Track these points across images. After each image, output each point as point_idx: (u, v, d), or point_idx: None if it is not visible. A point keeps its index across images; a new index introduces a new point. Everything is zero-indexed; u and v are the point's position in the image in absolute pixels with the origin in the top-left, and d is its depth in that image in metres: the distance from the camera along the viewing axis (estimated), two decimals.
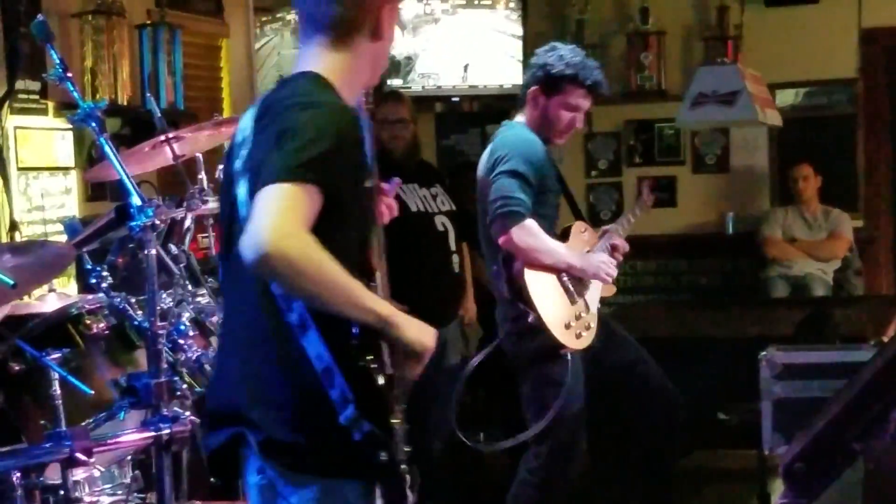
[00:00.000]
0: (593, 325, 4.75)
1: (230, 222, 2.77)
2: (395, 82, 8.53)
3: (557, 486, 4.79)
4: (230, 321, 2.87)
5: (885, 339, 4.95)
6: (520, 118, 4.92)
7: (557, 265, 4.66)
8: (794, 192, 8.40)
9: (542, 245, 4.62)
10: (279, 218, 2.49)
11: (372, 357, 2.65)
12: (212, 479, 4.34)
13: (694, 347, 6.40)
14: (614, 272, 4.82)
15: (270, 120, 2.68)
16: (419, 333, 2.71)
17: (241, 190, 2.72)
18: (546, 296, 4.62)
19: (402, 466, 2.70)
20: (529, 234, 4.59)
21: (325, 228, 2.57)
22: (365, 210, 2.80)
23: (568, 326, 4.63)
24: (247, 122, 2.81)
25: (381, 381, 2.65)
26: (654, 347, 5.29)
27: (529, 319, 4.59)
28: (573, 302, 4.69)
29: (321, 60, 2.82)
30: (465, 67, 8.70)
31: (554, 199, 4.90)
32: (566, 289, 4.69)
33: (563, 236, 4.86)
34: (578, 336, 4.66)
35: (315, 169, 2.55)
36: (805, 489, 3.71)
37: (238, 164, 2.78)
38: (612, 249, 4.92)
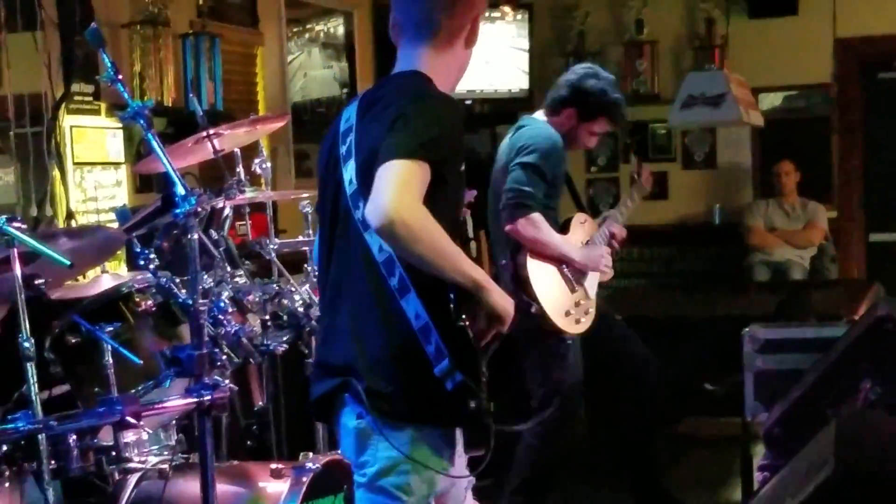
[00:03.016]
0: (592, 310, 4.73)
1: (335, 200, 2.86)
2: None
3: (557, 448, 4.80)
4: (338, 287, 2.90)
5: (856, 318, 4.95)
6: (543, 117, 4.87)
7: (560, 258, 4.64)
8: (776, 186, 8.41)
9: (546, 238, 4.60)
10: (399, 190, 2.60)
11: (466, 317, 2.70)
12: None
13: (684, 326, 6.40)
14: (609, 268, 4.78)
15: (383, 107, 2.78)
16: (504, 301, 2.76)
17: (349, 171, 2.80)
18: (547, 286, 4.60)
19: (488, 412, 2.73)
20: (535, 226, 4.57)
21: (433, 200, 2.66)
22: (461, 187, 2.90)
23: (568, 314, 4.61)
24: (351, 113, 2.89)
25: (472, 336, 2.71)
26: (648, 326, 5.30)
27: (532, 310, 4.57)
28: (573, 290, 4.67)
29: (424, 62, 2.90)
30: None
31: (560, 194, 4.88)
32: (566, 278, 4.67)
33: (564, 227, 4.84)
34: (577, 322, 4.64)
35: (428, 149, 2.66)
36: (783, 451, 3.73)
37: (344, 149, 2.85)
38: (611, 237, 4.90)
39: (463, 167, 2.86)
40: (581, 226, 4.88)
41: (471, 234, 5.94)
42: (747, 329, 4.87)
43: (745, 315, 5.53)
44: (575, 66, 5.03)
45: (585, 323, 4.67)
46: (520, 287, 4.60)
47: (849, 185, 8.73)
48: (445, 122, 2.75)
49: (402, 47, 2.95)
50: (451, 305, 2.68)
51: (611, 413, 5.55)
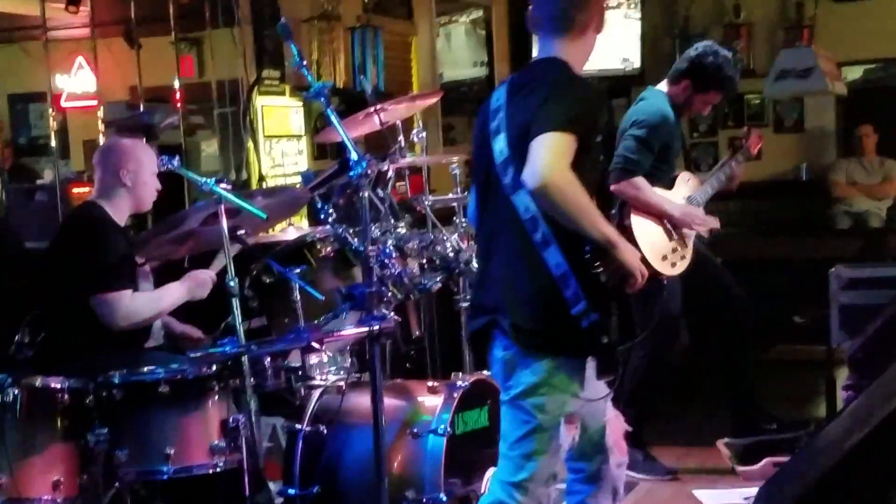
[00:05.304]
0: (688, 256, 4.60)
1: (487, 168, 2.86)
2: None
3: (660, 368, 4.73)
4: (489, 241, 2.92)
5: None
6: (664, 87, 4.74)
7: (660, 214, 4.57)
8: (856, 146, 8.17)
9: (646, 198, 4.52)
10: (552, 158, 2.61)
11: (599, 266, 2.71)
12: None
13: (776, 267, 6.28)
14: (703, 225, 4.66)
15: (533, 89, 2.77)
16: (632, 258, 2.76)
17: (500, 142, 2.80)
18: (647, 235, 4.52)
19: (617, 348, 2.76)
20: (635, 188, 4.50)
21: (578, 166, 2.66)
22: (599, 154, 2.90)
23: (664, 258, 4.52)
24: (500, 94, 2.88)
25: (604, 283, 2.71)
26: (746, 267, 5.19)
27: None
28: (671, 238, 4.58)
29: (561, 49, 2.88)
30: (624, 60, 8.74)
31: (674, 157, 4.78)
32: (665, 228, 4.59)
33: (671, 183, 4.76)
34: (673, 265, 4.54)
35: (575, 123, 2.66)
36: (866, 373, 3.63)
37: (494, 124, 2.84)
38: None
39: (599, 138, 2.85)
40: (685, 183, 4.78)
41: None
42: (833, 269, 4.74)
43: (830, 257, 5.38)
44: (698, 43, 4.87)
45: (680, 267, 4.57)
46: (622, 235, 4.54)
47: None
48: (587, 101, 2.75)
49: (542, 38, 2.92)
50: (587, 257, 2.68)
51: (711, 341, 5.44)
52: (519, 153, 2.69)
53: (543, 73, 2.83)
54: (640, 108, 4.68)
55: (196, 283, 3.76)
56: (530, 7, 2.96)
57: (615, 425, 3.04)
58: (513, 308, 2.78)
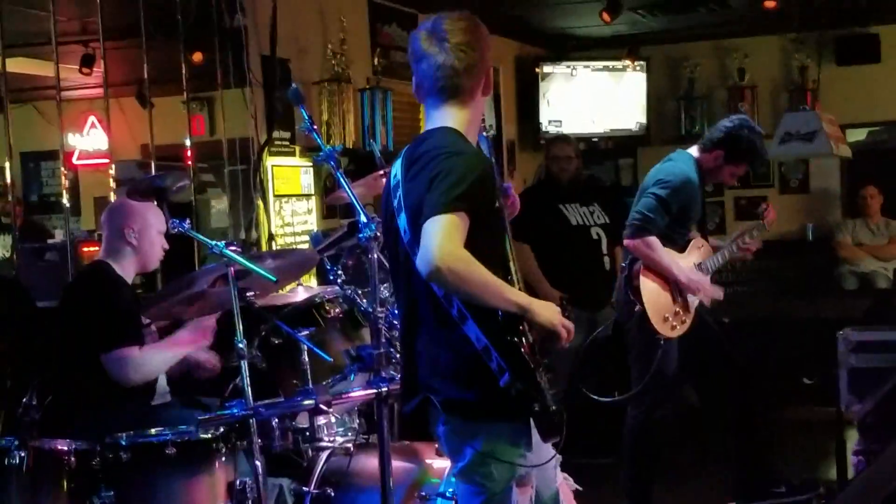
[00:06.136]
0: (688, 320, 4.58)
1: (396, 246, 2.79)
2: (551, 129, 8.57)
3: (653, 424, 4.68)
4: (410, 318, 2.84)
5: None
6: (695, 153, 4.75)
7: (668, 276, 4.55)
8: (861, 207, 8.20)
9: (657, 258, 4.51)
10: (442, 241, 2.52)
11: (516, 334, 2.64)
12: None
13: (783, 327, 6.24)
14: (706, 294, 4.63)
15: (421, 167, 2.69)
16: (548, 314, 2.67)
17: (402, 221, 2.73)
18: (653, 293, 4.51)
19: (552, 408, 2.67)
20: (649, 247, 4.49)
21: (475, 240, 2.59)
22: (500, 222, 2.80)
23: (665, 319, 4.50)
24: (397, 169, 2.81)
25: (524, 350, 2.63)
26: (753, 327, 5.17)
27: (636, 309, 4.49)
28: (675, 301, 4.56)
29: (451, 118, 2.79)
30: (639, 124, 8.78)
31: (691, 223, 4.76)
32: (672, 290, 4.57)
33: (684, 247, 4.74)
34: (673, 328, 4.52)
35: (463, 200, 2.57)
36: (876, 438, 3.59)
37: (395, 202, 2.77)
38: (717, 272, 4.75)
39: (497, 203, 2.77)
40: (697, 249, 4.77)
41: (605, 250, 5.94)
42: (841, 332, 4.70)
43: (837, 318, 5.35)
44: (733, 115, 4.88)
45: (679, 330, 4.55)
46: (630, 289, 4.53)
47: None
48: (474, 173, 2.62)
49: (430, 106, 2.82)
50: (501, 321, 2.62)
51: (720, 404, 5.38)
52: (417, 235, 2.62)
53: (432, 146, 2.72)
54: (665, 168, 4.68)
55: (199, 330, 3.75)
56: (414, 77, 2.86)
57: (564, 490, 3.01)
58: (443, 384, 2.71)
